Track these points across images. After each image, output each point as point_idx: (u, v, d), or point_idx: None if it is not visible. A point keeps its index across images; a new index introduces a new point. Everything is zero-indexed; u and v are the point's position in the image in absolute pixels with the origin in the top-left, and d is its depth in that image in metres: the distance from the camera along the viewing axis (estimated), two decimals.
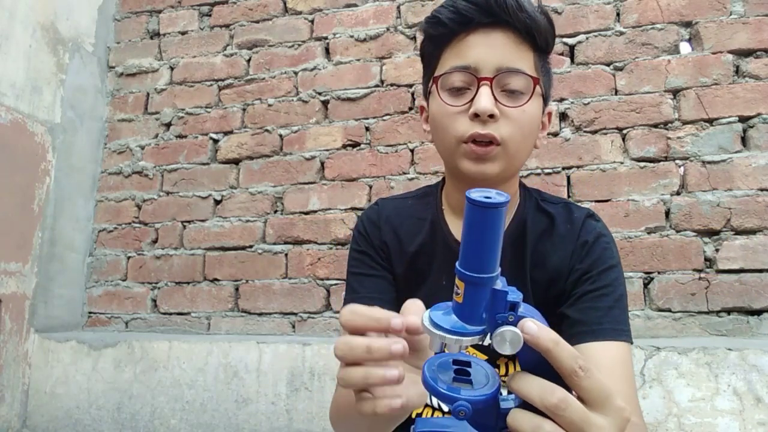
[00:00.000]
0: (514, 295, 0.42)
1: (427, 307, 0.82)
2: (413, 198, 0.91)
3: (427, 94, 0.80)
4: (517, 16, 0.70)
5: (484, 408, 0.43)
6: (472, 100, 0.70)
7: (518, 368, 0.45)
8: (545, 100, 0.78)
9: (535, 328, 0.40)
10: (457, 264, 0.42)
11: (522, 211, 0.82)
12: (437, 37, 0.76)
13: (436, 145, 0.79)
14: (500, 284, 0.42)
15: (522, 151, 0.75)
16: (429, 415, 0.79)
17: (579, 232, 0.78)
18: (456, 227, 0.83)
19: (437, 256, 0.83)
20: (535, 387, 0.41)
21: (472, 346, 0.46)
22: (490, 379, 0.44)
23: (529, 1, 0.73)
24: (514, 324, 0.41)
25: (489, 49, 0.71)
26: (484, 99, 0.69)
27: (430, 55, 0.79)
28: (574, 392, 0.41)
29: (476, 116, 0.70)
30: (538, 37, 0.72)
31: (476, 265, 0.41)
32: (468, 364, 0.46)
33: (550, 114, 0.82)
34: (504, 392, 0.45)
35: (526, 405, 0.42)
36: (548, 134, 1.70)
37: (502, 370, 0.77)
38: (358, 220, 0.90)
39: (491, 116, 0.69)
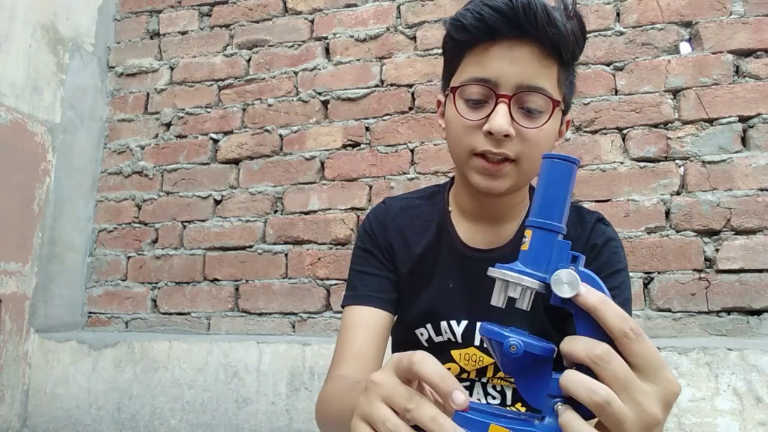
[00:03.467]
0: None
1: (433, 311, 0.81)
2: (420, 198, 0.89)
3: (445, 92, 0.77)
4: (546, 31, 0.65)
5: (536, 363, 0.43)
6: (488, 115, 0.68)
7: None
8: (566, 109, 0.75)
9: (583, 288, 0.42)
10: (527, 218, 0.46)
11: None
12: (459, 42, 0.73)
13: (449, 148, 0.77)
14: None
15: (536, 167, 0.73)
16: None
17: (589, 235, 0.78)
18: (463, 230, 0.82)
19: (442, 259, 0.82)
20: (580, 343, 0.42)
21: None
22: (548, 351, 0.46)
23: (563, 7, 0.69)
24: None
25: (511, 63, 0.67)
26: (500, 119, 0.66)
27: (451, 55, 0.76)
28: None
29: (491, 134, 0.67)
30: (564, 52, 0.68)
31: (544, 213, 0.45)
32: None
33: (568, 122, 0.79)
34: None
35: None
36: None
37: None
38: (366, 218, 0.89)
39: (506, 135, 0.67)
